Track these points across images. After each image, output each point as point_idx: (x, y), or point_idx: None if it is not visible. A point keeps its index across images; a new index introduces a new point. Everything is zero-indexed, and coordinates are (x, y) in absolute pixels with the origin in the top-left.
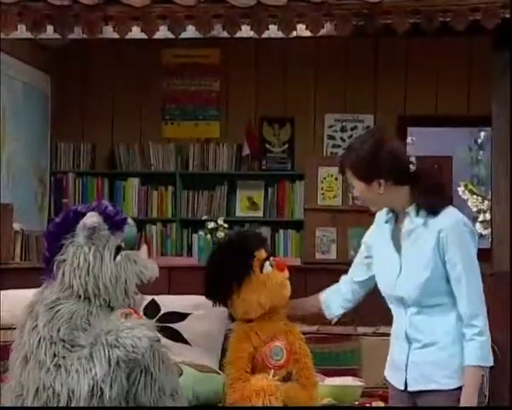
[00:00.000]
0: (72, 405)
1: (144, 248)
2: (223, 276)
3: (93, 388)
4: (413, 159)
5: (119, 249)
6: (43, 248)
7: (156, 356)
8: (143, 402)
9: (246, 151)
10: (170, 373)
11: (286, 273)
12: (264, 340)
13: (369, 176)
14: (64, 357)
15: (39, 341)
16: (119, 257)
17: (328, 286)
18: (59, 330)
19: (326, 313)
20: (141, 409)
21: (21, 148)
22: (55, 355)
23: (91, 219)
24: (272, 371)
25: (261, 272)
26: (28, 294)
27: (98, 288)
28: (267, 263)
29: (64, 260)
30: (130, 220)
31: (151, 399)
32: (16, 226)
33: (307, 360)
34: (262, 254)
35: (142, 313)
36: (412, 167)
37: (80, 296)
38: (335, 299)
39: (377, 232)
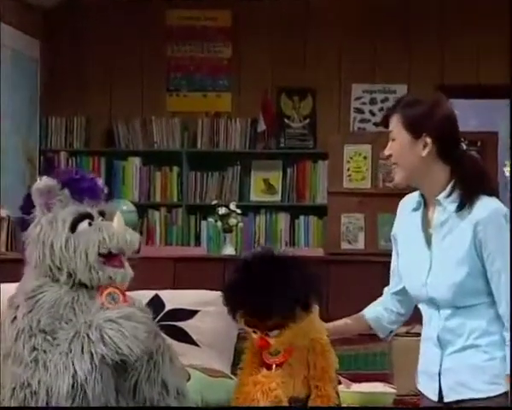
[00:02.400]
0: (52, 405)
1: (118, 216)
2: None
3: (73, 386)
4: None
5: (84, 217)
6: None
7: (161, 344)
8: (144, 393)
9: (261, 127)
10: (176, 372)
11: None
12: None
13: (419, 127)
14: (45, 351)
15: (18, 333)
16: (84, 225)
17: (356, 282)
18: (39, 321)
19: (378, 333)
20: (141, 409)
21: (7, 123)
22: (34, 349)
23: (42, 182)
24: (274, 366)
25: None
26: (14, 288)
27: (55, 259)
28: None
29: (25, 237)
30: (129, 205)
31: (153, 391)
32: (2, 213)
33: (329, 387)
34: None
35: (127, 295)
36: (463, 145)
37: (58, 280)
38: (384, 316)
39: (403, 222)
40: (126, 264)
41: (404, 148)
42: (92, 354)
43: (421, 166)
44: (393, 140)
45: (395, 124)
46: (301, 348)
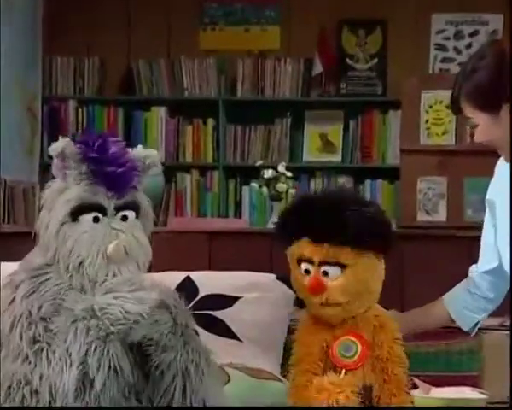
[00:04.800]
0: (57, 405)
1: (115, 244)
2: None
3: (82, 381)
4: None
5: (93, 209)
6: None
7: (194, 359)
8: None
9: (317, 69)
10: (211, 376)
11: None
12: (342, 334)
13: (495, 102)
14: (48, 343)
15: (14, 319)
16: (87, 219)
17: (435, 262)
18: (40, 307)
19: (459, 323)
20: (141, 409)
21: (3, 64)
22: (34, 340)
23: (58, 144)
24: (343, 371)
25: None
26: (12, 268)
27: (44, 242)
28: None
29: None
30: (155, 166)
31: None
32: None
33: (398, 370)
34: None
35: None
36: None
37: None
38: (469, 302)
39: (502, 184)
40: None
41: (490, 129)
42: (99, 336)
43: None
44: (475, 126)
45: (469, 111)
46: (367, 323)
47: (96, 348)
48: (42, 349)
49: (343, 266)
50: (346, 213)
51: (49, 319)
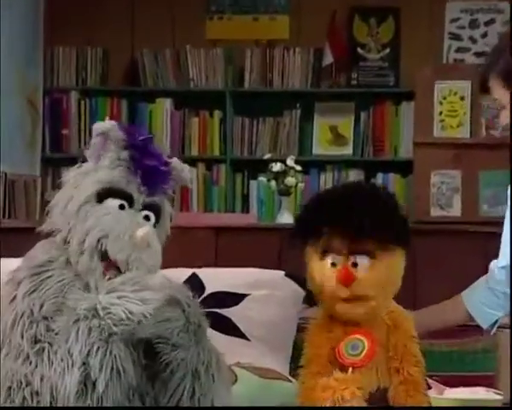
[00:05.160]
0: (58, 406)
1: (147, 227)
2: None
3: (84, 383)
4: None
5: (122, 197)
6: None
7: (204, 360)
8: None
9: (328, 59)
10: (221, 379)
11: None
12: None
13: None
14: (49, 343)
15: (15, 318)
16: (111, 203)
17: (450, 259)
18: (42, 306)
19: (479, 321)
20: (141, 409)
21: (3, 54)
22: (36, 339)
23: (102, 123)
24: (350, 369)
25: None
26: (12, 264)
27: (58, 220)
28: None
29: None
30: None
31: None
32: None
33: (414, 370)
34: None
35: None
36: None
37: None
38: (489, 299)
39: None
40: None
41: None
42: (102, 336)
43: None
44: (503, 108)
45: (497, 89)
46: (381, 322)
47: (98, 348)
48: (43, 349)
49: (372, 257)
50: (373, 204)
51: (51, 318)
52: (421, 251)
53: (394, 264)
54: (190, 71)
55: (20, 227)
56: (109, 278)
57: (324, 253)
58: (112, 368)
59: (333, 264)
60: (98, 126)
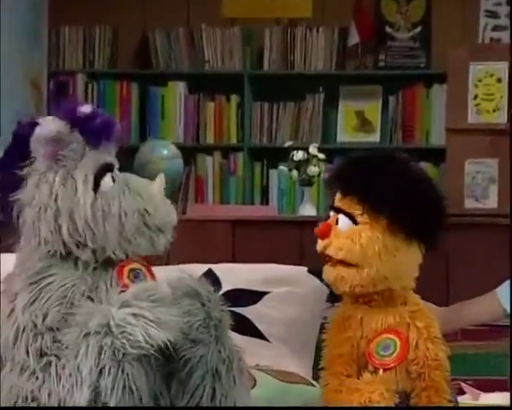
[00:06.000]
0: None
1: (160, 178)
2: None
3: (95, 400)
4: None
5: (106, 169)
6: None
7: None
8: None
9: (354, 39)
10: (242, 380)
11: None
12: (376, 329)
13: None
14: (57, 355)
15: (17, 332)
16: (107, 181)
17: (485, 254)
18: (46, 316)
19: None
20: (145, 409)
21: (4, 35)
22: (42, 353)
23: (48, 126)
24: (381, 370)
25: None
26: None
27: (77, 232)
28: None
29: (23, 203)
30: (171, 149)
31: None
32: None
33: (436, 375)
34: None
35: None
36: None
37: (72, 257)
38: None
39: None
40: None
41: None
42: (115, 356)
43: None
44: None
45: None
46: (401, 320)
47: (110, 369)
48: (50, 363)
49: (355, 222)
50: (378, 173)
51: (57, 329)
52: (454, 245)
53: (382, 242)
54: (205, 52)
55: None
56: (122, 291)
57: (331, 209)
58: (124, 386)
59: (328, 217)
60: (44, 134)
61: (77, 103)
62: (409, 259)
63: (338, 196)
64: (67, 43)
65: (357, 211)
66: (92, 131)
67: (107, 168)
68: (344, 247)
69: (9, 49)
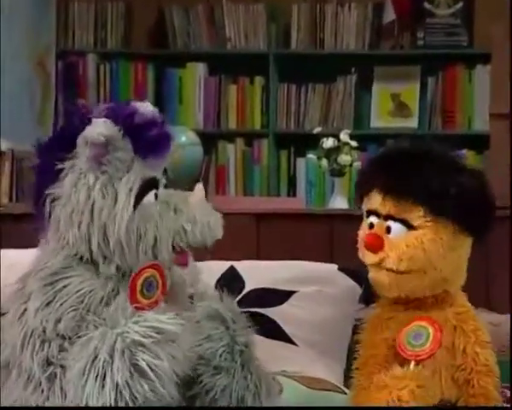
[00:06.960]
0: None
1: (199, 188)
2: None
3: None
4: None
5: (151, 185)
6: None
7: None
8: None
9: (389, 16)
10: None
11: None
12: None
13: None
14: (63, 366)
15: (25, 336)
16: (150, 198)
17: None
18: (58, 321)
19: None
20: (140, 409)
21: (6, 13)
22: (48, 362)
23: (98, 128)
24: (413, 362)
25: None
26: (23, 257)
27: (108, 247)
28: None
29: (57, 198)
30: (190, 135)
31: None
32: (1, 145)
33: (486, 381)
34: None
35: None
36: None
37: (96, 263)
38: None
39: None
40: (191, 259)
41: None
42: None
43: None
44: None
45: None
46: (445, 323)
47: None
48: (55, 375)
49: (409, 227)
50: (428, 170)
51: (69, 337)
52: (497, 241)
53: (440, 243)
54: (227, 30)
55: (29, 213)
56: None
57: (368, 213)
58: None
59: (371, 225)
60: (92, 138)
61: (136, 107)
62: (465, 255)
63: (376, 198)
64: (77, 21)
65: (413, 214)
66: (146, 144)
67: (153, 185)
68: (404, 257)
69: (14, 27)
